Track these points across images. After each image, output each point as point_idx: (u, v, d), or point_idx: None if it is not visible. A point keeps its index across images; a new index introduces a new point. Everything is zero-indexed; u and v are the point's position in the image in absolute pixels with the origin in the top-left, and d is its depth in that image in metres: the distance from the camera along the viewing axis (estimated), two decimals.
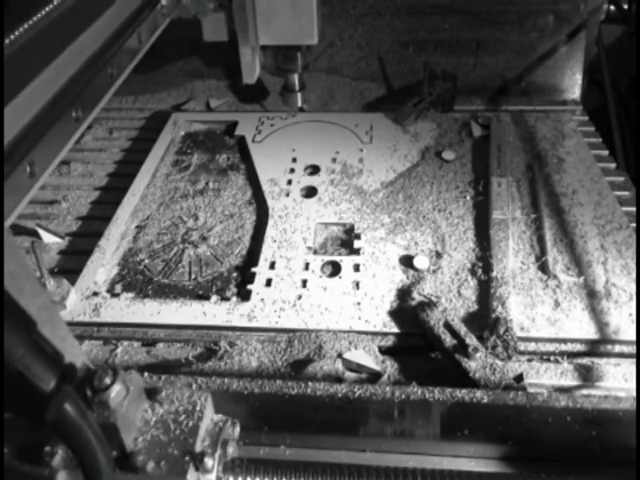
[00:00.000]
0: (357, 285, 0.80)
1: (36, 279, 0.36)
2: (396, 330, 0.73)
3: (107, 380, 0.36)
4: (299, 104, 1.15)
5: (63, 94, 0.56)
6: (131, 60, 0.72)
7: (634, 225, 0.87)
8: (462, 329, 0.69)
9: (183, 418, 0.41)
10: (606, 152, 1.06)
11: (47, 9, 0.56)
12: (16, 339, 0.29)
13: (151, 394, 0.42)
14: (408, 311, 0.75)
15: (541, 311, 0.74)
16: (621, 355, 0.70)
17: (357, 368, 0.69)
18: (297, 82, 1.13)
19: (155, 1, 0.79)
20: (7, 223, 0.47)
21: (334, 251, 0.87)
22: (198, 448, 0.40)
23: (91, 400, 0.35)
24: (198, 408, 0.42)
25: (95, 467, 0.33)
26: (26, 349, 0.29)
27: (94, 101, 0.63)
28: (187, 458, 0.39)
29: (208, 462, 0.39)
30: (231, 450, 0.43)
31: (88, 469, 0.33)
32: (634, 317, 0.72)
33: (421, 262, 0.82)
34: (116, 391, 0.36)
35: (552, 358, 0.70)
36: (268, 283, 0.80)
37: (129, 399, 0.38)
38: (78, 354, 0.37)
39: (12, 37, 0.51)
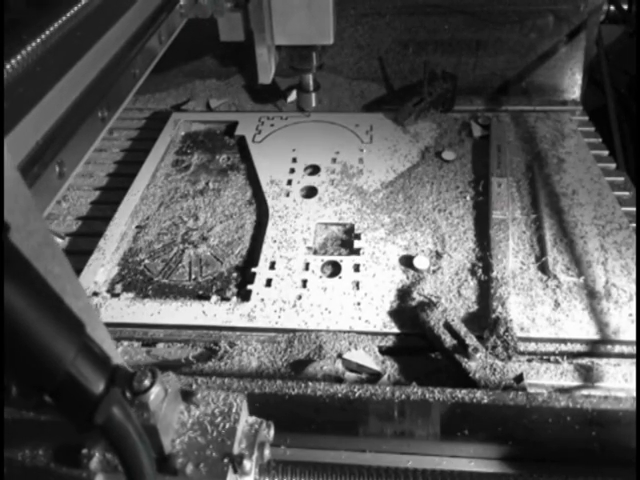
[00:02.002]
0: (357, 285, 0.80)
1: (77, 280, 0.36)
2: (396, 330, 0.73)
3: (146, 382, 0.36)
4: (314, 104, 1.15)
5: (90, 94, 0.57)
6: (152, 60, 0.73)
7: (634, 225, 0.87)
8: (462, 329, 0.69)
9: (219, 420, 0.41)
10: (606, 152, 1.06)
11: (75, 9, 0.57)
12: (67, 342, 0.28)
13: (186, 395, 0.42)
14: (408, 311, 0.75)
15: (541, 311, 0.74)
16: (621, 355, 0.70)
17: (357, 368, 0.69)
18: (312, 82, 1.12)
19: (174, 1, 0.79)
20: None
21: (334, 251, 0.87)
22: (235, 450, 0.40)
23: (131, 402, 0.35)
24: (234, 410, 0.41)
25: (139, 470, 0.33)
26: (77, 351, 0.29)
27: (118, 101, 0.63)
28: (226, 460, 0.39)
29: (247, 464, 0.39)
30: (267, 452, 0.42)
31: (132, 472, 0.33)
32: (634, 317, 0.72)
33: (421, 262, 0.82)
34: (155, 393, 0.36)
35: (552, 358, 0.70)
36: (268, 283, 0.80)
37: (167, 401, 0.37)
38: (117, 356, 0.37)
39: (43, 37, 0.51)
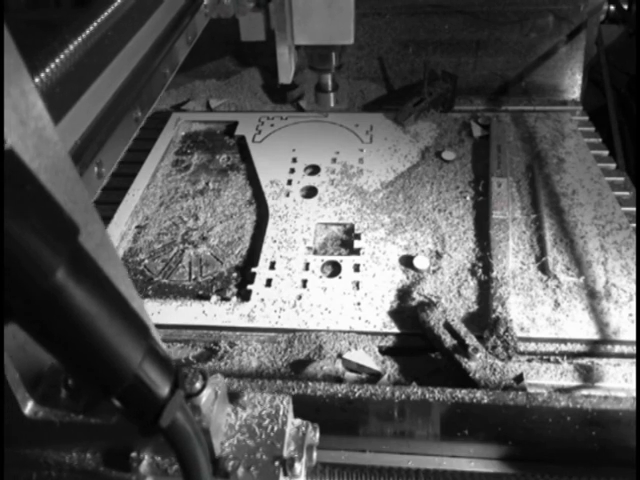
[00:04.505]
0: (357, 285, 0.80)
1: (130, 282, 0.35)
2: (396, 330, 0.73)
3: (198, 384, 0.35)
4: (332, 104, 1.15)
5: (125, 94, 0.57)
6: (180, 59, 0.73)
7: (634, 225, 0.87)
8: (462, 329, 0.69)
9: (267, 422, 0.40)
10: (606, 152, 1.06)
11: (111, 9, 0.57)
12: (136, 344, 0.28)
13: (232, 397, 0.42)
14: (408, 311, 0.75)
15: (541, 311, 0.74)
16: (621, 355, 0.70)
17: (357, 368, 0.69)
18: (330, 82, 1.12)
19: (199, 1, 0.79)
20: None
21: (334, 251, 0.87)
22: (285, 453, 0.39)
23: None
24: (281, 412, 0.41)
25: (197, 474, 0.32)
26: (144, 354, 0.28)
27: (150, 101, 0.64)
28: (277, 463, 0.38)
29: (297, 467, 0.39)
30: (315, 455, 0.42)
31: (191, 476, 0.32)
32: (634, 317, 0.72)
33: (421, 262, 0.82)
34: (207, 395, 0.36)
35: (552, 358, 0.70)
36: (268, 283, 0.80)
37: (217, 403, 0.37)
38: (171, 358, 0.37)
39: (84, 36, 0.52)
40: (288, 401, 0.42)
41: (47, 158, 0.28)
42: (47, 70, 0.46)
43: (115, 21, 0.57)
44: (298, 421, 0.42)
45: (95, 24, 0.54)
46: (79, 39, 0.51)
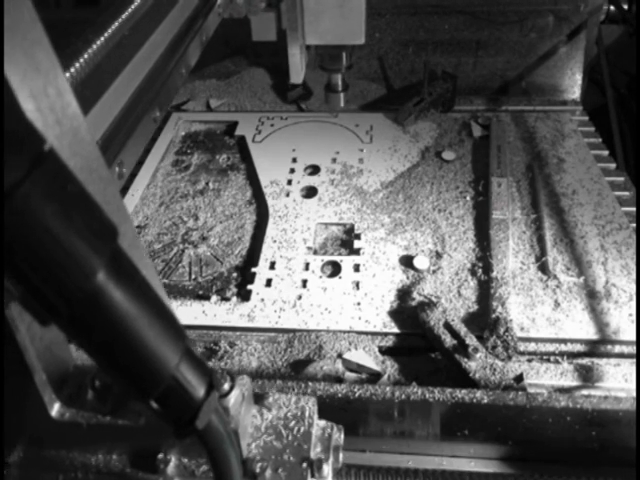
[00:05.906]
0: (357, 285, 0.80)
1: (160, 282, 0.35)
2: (396, 330, 0.73)
3: (226, 386, 0.35)
4: (342, 104, 1.15)
5: (144, 94, 0.57)
6: (194, 59, 0.73)
7: (634, 225, 0.87)
8: (462, 329, 0.69)
9: (293, 424, 0.40)
10: (606, 152, 1.06)
11: (130, 10, 0.57)
12: (173, 346, 0.28)
13: (257, 399, 0.42)
14: (408, 311, 0.75)
15: (541, 311, 0.74)
16: (621, 355, 0.70)
17: (357, 368, 0.69)
18: (340, 82, 1.12)
19: (213, 1, 0.79)
20: None
21: (334, 251, 0.87)
22: (312, 455, 0.39)
23: None
24: (307, 414, 0.41)
25: (230, 476, 0.32)
26: (181, 356, 0.28)
27: (168, 101, 0.64)
28: (304, 465, 0.38)
29: (325, 469, 0.38)
30: (341, 456, 0.42)
31: (223, 478, 0.32)
32: (634, 317, 0.72)
33: (421, 262, 0.82)
34: (235, 397, 0.35)
35: (552, 358, 0.70)
36: (268, 283, 0.80)
37: (244, 405, 0.37)
38: None
39: (106, 35, 0.52)
40: (314, 402, 0.41)
41: (82, 158, 0.28)
42: (72, 70, 0.46)
43: (134, 22, 0.57)
44: (323, 422, 0.42)
45: (116, 24, 0.54)
46: (102, 39, 0.51)
